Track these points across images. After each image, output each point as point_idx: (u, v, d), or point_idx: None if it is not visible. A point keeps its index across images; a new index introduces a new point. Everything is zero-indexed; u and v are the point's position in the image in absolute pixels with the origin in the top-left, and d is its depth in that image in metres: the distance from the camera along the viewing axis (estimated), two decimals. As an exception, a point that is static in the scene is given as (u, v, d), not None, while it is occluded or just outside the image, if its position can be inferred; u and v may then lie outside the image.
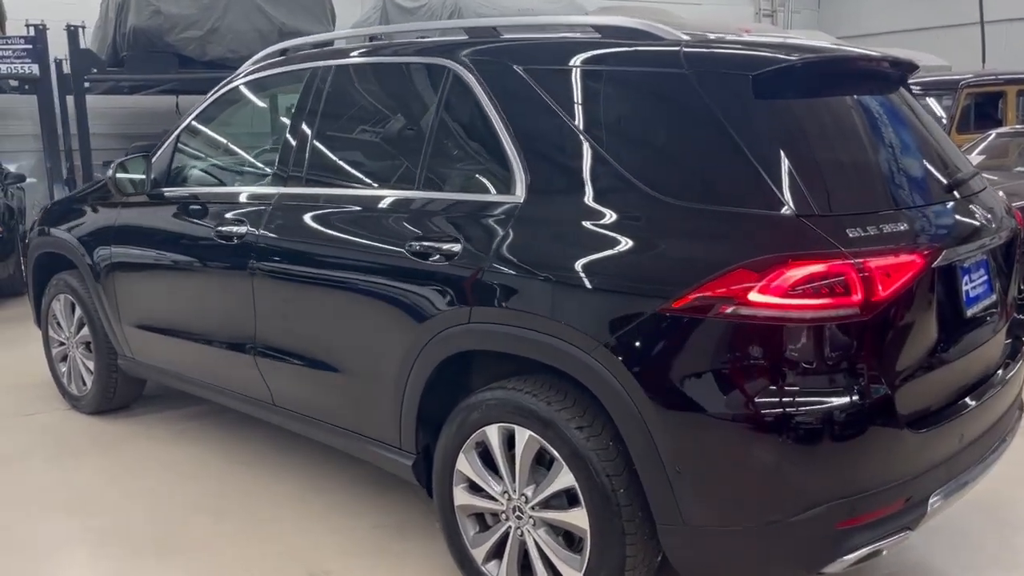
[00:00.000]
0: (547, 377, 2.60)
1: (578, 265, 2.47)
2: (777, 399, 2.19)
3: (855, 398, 2.21)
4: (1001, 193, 3.18)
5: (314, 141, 3.38)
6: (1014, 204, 3.39)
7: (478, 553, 2.83)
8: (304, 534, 3.39)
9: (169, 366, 4.16)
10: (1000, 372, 2.81)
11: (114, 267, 4.25)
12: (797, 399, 2.19)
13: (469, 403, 2.77)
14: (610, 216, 2.48)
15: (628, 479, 2.43)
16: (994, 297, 2.78)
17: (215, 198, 3.81)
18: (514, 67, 2.81)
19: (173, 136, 4.09)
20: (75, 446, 4.37)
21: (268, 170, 3.60)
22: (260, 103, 3.90)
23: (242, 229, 3.52)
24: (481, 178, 2.87)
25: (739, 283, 2.20)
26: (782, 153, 2.32)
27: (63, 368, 4.92)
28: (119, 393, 4.69)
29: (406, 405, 2.96)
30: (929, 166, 2.73)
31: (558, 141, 2.66)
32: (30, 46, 7.75)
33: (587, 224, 2.51)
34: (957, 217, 2.62)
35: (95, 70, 8.07)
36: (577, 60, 2.71)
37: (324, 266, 3.21)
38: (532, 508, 2.65)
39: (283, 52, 3.76)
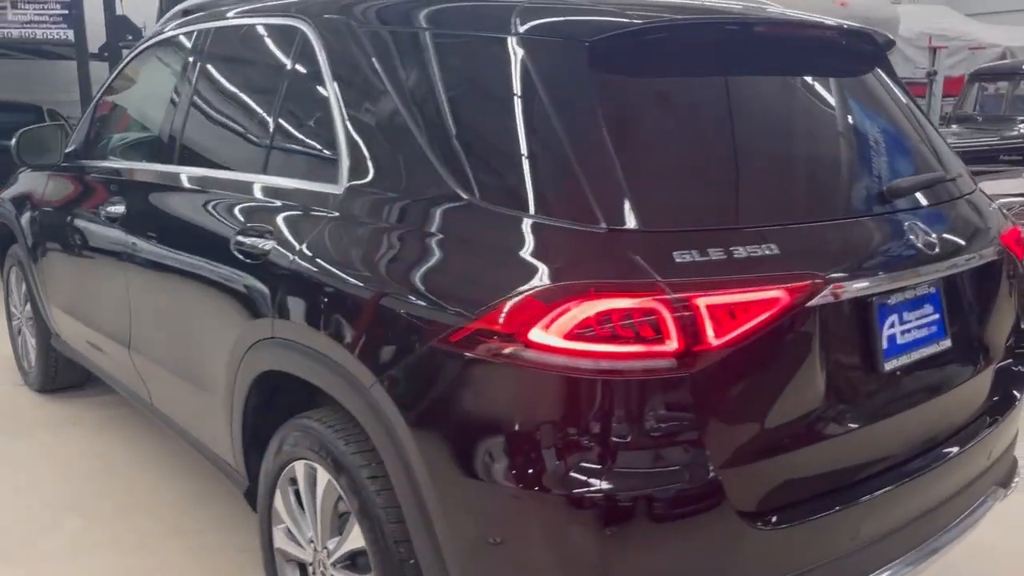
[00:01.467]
0: None
1: (367, 279, 1.99)
2: (556, 473, 1.63)
3: (660, 481, 1.63)
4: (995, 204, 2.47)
5: (181, 114, 2.98)
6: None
7: (294, 606, 2.40)
8: (162, 551, 3.04)
9: (84, 351, 3.89)
10: (959, 439, 2.15)
11: (38, 242, 4.01)
12: (583, 476, 1.62)
13: (283, 432, 2.33)
14: (412, 219, 1.97)
15: (421, 548, 1.94)
16: (948, 343, 2.11)
17: (110, 174, 3.48)
18: (356, 28, 2.30)
19: (92, 104, 3.80)
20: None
21: (149, 145, 3.24)
22: (156, 70, 3.53)
23: (120, 209, 3.18)
24: (315, 163, 2.39)
25: (522, 317, 1.65)
26: (609, 147, 1.74)
27: (20, 342, 4.76)
28: (61, 372, 4.46)
29: (234, 425, 2.54)
30: (863, 169, 2.09)
31: (381, 122, 2.14)
32: (67, 11, 7.69)
33: (386, 228, 2.02)
34: (885, 237, 1.97)
35: (130, 36, 7.97)
36: (411, 21, 2.19)
37: (173, 258, 2.81)
38: (333, 566, 2.19)
39: (185, 12, 3.37)
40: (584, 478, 1.61)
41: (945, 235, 2.07)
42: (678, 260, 1.64)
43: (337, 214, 2.16)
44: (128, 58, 3.63)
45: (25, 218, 4.13)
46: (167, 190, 2.95)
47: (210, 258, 2.57)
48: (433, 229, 1.91)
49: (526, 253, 1.73)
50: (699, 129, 1.89)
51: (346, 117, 2.23)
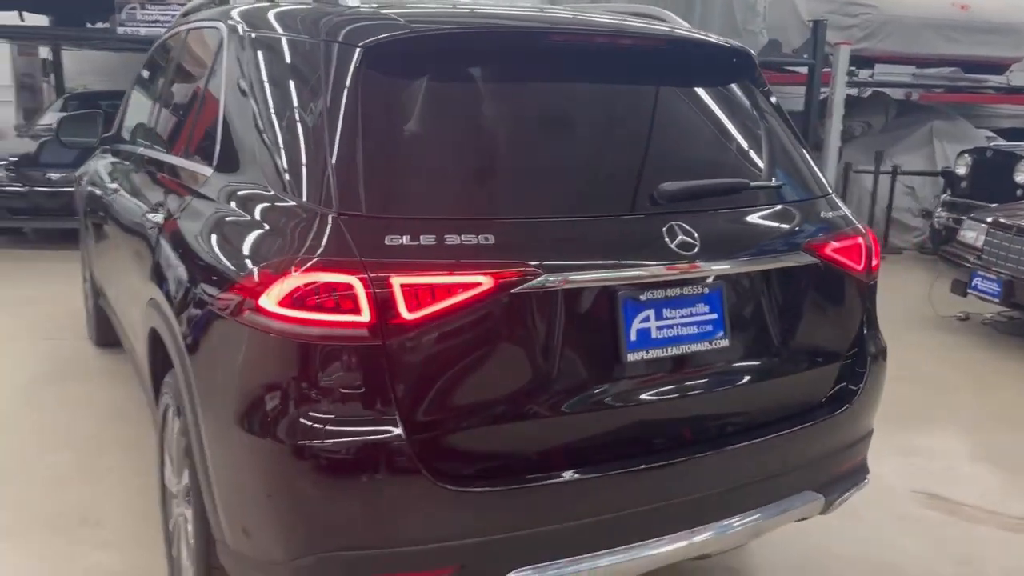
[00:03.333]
0: None
1: (193, 250, 2.34)
2: (276, 423, 1.90)
3: (350, 437, 1.86)
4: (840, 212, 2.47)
5: (156, 103, 3.47)
6: None
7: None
8: (119, 485, 3.47)
9: (107, 309, 4.43)
10: (735, 436, 2.22)
11: (84, 211, 4.62)
12: (288, 427, 1.88)
13: (165, 381, 2.69)
14: (226, 198, 2.31)
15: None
16: (725, 342, 2.18)
17: (119, 154, 4.00)
18: (241, 30, 2.64)
19: (128, 91, 4.33)
20: (45, 375, 4.76)
21: (141, 131, 3.73)
22: (156, 66, 3.99)
23: (115, 184, 3.67)
24: (207, 149, 2.74)
25: (258, 285, 1.92)
26: (357, 142, 1.98)
27: (88, 301, 5.41)
28: (112, 328, 5.05)
29: (144, 375, 2.94)
30: (630, 171, 2.21)
31: (233, 112, 2.49)
32: (188, 11, 8.43)
33: (215, 206, 2.35)
34: (637, 236, 2.10)
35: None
36: (263, 25, 2.53)
37: (130, 227, 3.26)
38: (183, 499, 2.52)
39: (184, 15, 3.81)
40: (288, 429, 1.88)
41: (718, 238, 2.15)
42: (388, 243, 1.86)
43: (201, 193, 2.50)
44: (148, 54, 4.13)
45: (78, 191, 4.76)
46: (139, 168, 3.41)
47: (143, 227, 2.99)
48: (238, 208, 2.21)
49: (280, 230, 2.01)
50: (451, 129, 2.09)
51: (225, 110, 2.56)
